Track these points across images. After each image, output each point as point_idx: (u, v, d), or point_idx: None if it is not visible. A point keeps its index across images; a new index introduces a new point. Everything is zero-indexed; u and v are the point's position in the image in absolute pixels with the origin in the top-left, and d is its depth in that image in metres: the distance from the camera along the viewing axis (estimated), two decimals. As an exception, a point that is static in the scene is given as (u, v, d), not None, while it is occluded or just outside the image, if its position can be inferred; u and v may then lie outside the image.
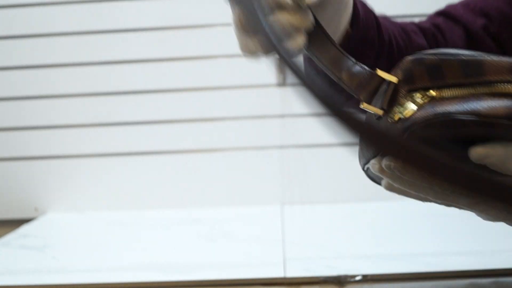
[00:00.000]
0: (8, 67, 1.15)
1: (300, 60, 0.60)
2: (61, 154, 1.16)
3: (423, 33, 0.68)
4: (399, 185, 0.51)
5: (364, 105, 0.49)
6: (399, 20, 0.68)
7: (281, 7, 0.47)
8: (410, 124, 0.46)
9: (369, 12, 0.60)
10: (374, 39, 0.59)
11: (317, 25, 0.51)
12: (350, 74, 0.50)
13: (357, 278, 0.71)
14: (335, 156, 1.13)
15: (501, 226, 0.90)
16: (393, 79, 0.48)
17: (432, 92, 0.47)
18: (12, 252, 0.91)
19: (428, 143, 0.42)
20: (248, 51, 0.50)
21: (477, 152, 0.46)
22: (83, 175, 1.17)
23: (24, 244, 0.95)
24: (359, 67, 0.50)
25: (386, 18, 0.65)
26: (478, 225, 0.91)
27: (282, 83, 1.10)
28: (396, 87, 0.48)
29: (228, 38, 1.11)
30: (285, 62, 0.40)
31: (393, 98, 0.48)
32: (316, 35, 0.51)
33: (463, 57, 0.47)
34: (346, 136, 0.33)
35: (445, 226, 0.92)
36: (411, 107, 0.47)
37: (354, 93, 0.50)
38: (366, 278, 0.71)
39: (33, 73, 1.15)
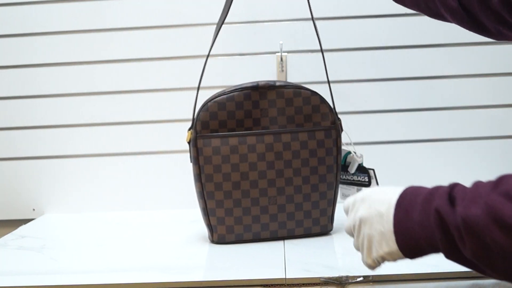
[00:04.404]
0: (4, 66, 1.14)
1: None
2: (59, 155, 1.16)
3: None
4: None
5: None
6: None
7: None
8: None
9: None
10: None
11: None
12: None
13: (359, 279, 0.70)
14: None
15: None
16: None
17: None
18: (9, 253, 0.90)
19: None
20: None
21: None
22: (80, 176, 1.16)
23: (22, 245, 0.94)
24: None
25: None
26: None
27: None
28: None
29: (227, 37, 1.11)
30: None
31: None
32: None
33: None
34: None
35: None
36: None
37: None
38: (368, 279, 0.70)
39: (28, 73, 1.14)
